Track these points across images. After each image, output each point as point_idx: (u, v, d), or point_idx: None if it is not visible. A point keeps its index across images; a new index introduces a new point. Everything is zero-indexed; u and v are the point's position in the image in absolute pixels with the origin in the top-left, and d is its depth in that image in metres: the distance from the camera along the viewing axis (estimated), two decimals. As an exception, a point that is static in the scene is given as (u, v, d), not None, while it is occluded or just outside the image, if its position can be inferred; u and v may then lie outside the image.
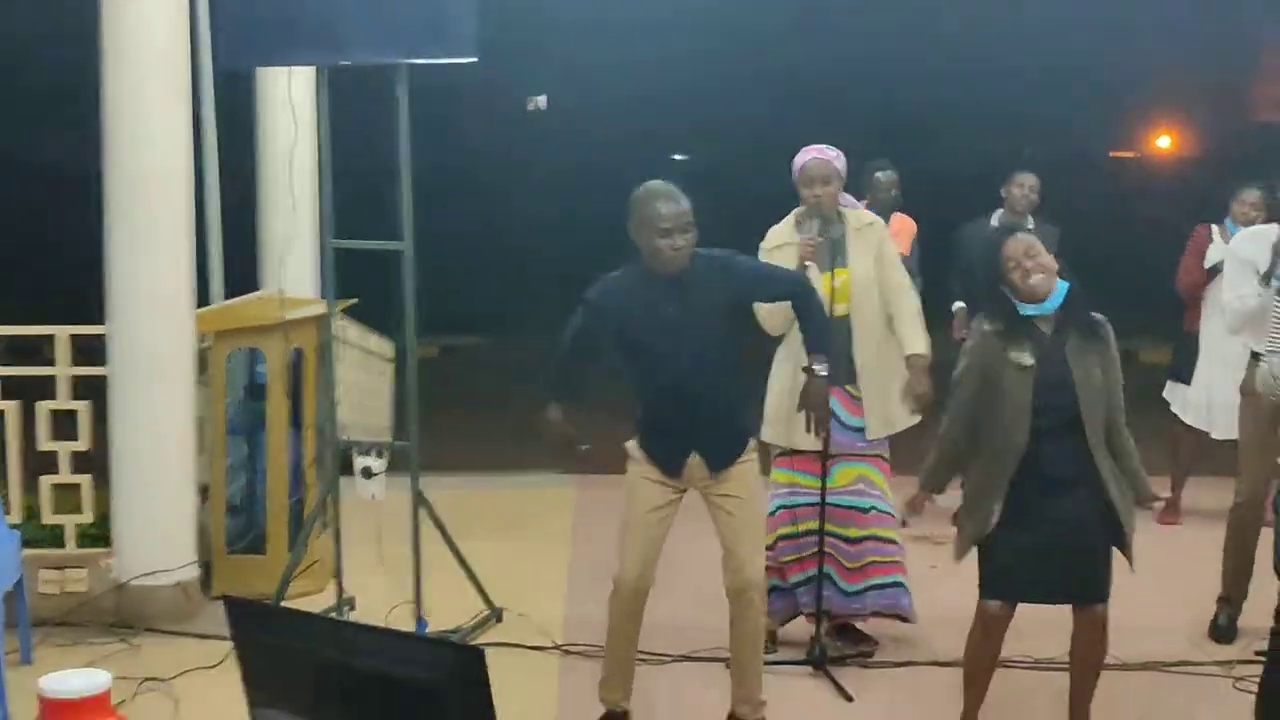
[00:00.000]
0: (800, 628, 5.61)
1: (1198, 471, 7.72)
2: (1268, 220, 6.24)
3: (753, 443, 4.75)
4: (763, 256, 5.38)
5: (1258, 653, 4.67)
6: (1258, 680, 4.61)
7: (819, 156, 5.42)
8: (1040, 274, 4.37)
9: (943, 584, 4.65)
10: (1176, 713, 5.08)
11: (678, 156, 23.73)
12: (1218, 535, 5.95)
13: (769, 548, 5.45)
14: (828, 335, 4.80)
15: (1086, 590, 4.52)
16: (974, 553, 4.53)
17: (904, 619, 5.61)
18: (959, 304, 7.80)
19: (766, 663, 5.44)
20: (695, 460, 4.63)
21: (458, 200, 15.17)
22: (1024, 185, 7.60)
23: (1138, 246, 8.09)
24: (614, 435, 4.83)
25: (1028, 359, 4.38)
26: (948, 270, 7.75)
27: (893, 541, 5.56)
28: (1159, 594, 6.37)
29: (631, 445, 4.75)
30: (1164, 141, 31.55)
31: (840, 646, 5.57)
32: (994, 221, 7.60)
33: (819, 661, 5.38)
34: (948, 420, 4.58)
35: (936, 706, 4.98)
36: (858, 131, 6.69)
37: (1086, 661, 4.64)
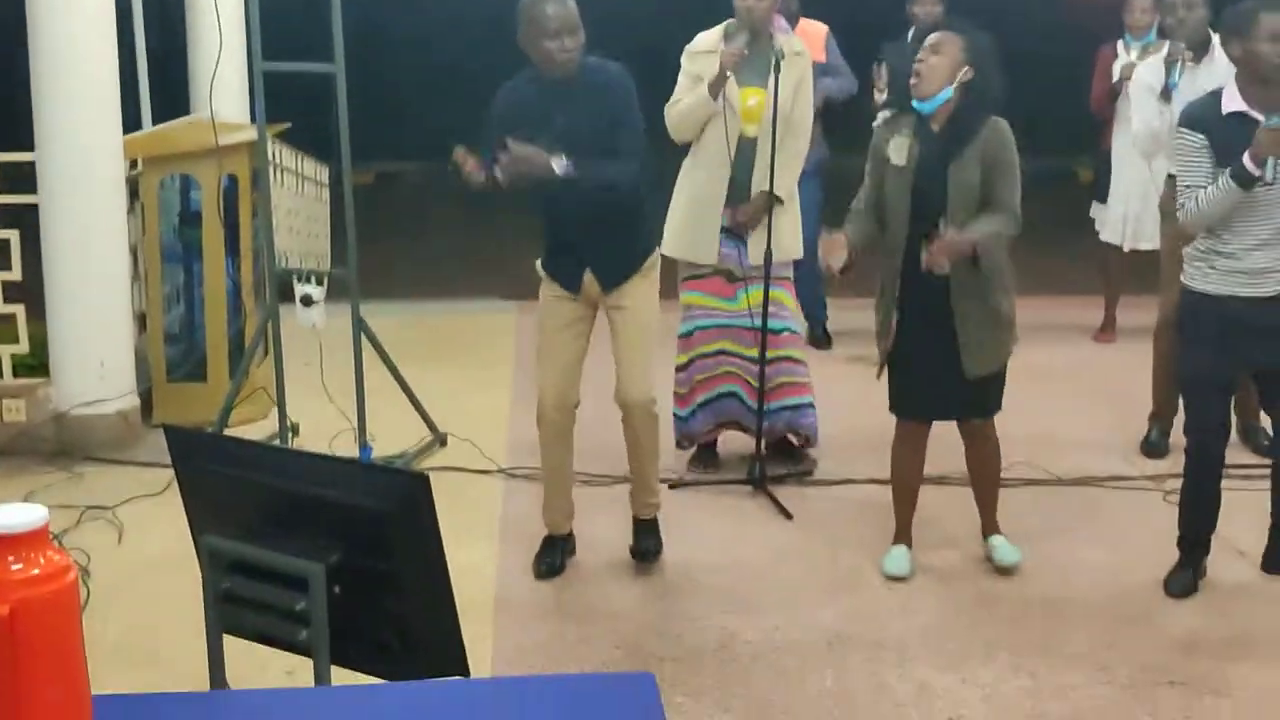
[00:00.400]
0: (742, 446, 5.69)
1: (1134, 290, 7.82)
2: (1162, 22, 6.21)
3: (651, 259, 4.71)
4: (685, 60, 5.41)
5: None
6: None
7: None
8: (922, 72, 4.36)
9: (882, 402, 4.70)
10: (1109, 524, 5.21)
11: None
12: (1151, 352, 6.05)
13: (682, 368, 5.53)
14: (599, 176, 4.47)
15: (968, 408, 4.63)
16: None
17: (809, 440, 5.74)
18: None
19: (709, 483, 5.56)
20: (589, 278, 4.61)
21: (392, 20, 14.79)
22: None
23: (1078, 67, 8.04)
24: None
25: (898, 156, 4.39)
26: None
27: (803, 362, 5.69)
28: (1093, 410, 6.51)
29: (538, 264, 4.73)
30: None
31: (781, 466, 5.68)
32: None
33: (759, 481, 5.47)
34: (855, 214, 4.56)
35: (873, 522, 5.08)
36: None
37: (980, 474, 4.78)
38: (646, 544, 4.85)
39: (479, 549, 4.91)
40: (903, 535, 4.81)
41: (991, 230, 4.37)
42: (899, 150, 4.42)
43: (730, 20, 5.44)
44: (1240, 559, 4.79)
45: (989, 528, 4.82)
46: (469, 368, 7.36)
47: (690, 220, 5.43)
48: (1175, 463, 5.48)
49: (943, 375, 4.53)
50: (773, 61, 5.27)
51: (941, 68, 4.36)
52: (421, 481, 2.42)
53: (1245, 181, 4.17)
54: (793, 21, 7.14)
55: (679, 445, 5.69)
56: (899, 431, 4.74)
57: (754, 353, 5.52)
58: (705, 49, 5.42)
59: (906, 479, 4.79)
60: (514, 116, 4.48)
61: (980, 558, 4.83)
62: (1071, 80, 8.35)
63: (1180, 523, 4.67)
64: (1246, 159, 4.15)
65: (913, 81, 4.39)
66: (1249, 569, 4.74)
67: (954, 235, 4.33)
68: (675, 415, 5.61)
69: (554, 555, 4.80)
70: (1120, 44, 7.57)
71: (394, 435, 5.92)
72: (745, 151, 5.37)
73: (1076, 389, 6.84)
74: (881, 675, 4.05)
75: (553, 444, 4.74)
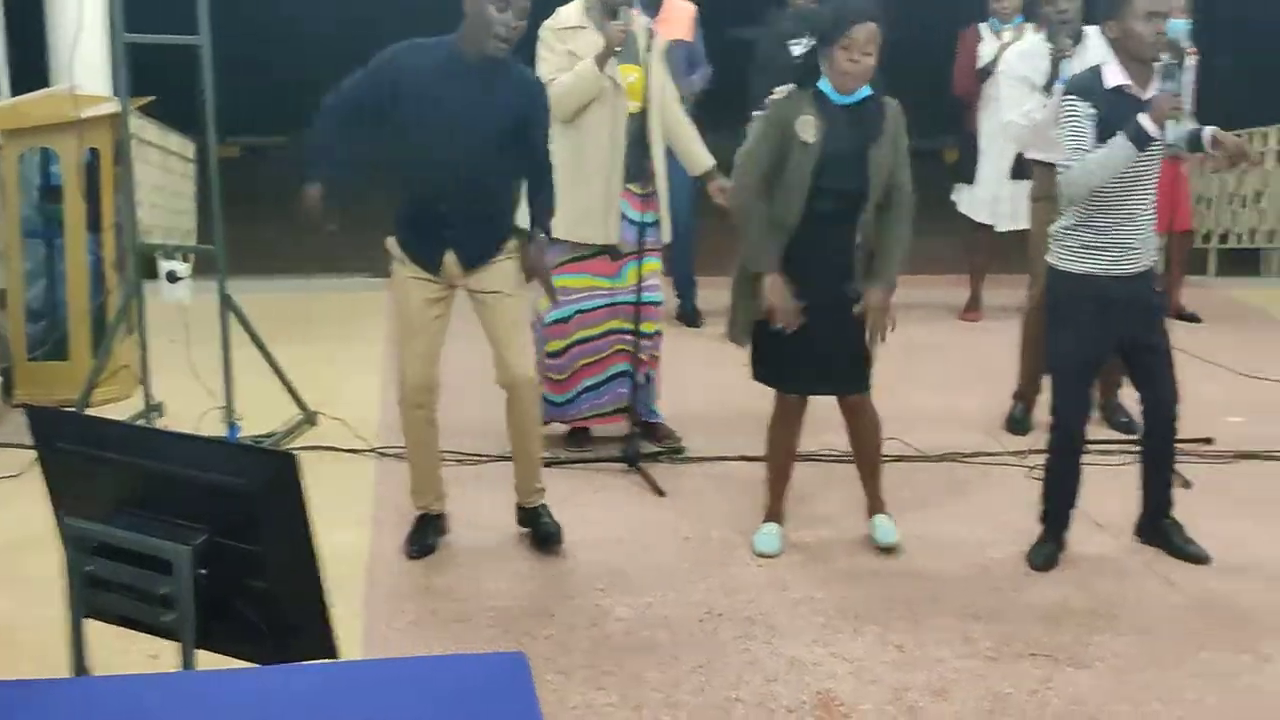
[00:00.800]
0: (613, 427, 5.70)
1: (1000, 269, 7.98)
2: (1038, 10, 6.34)
3: (513, 241, 4.67)
4: (550, 36, 5.36)
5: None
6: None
7: None
8: (859, 72, 4.36)
9: (756, 381, 4.74)
10: (974, 499, 5.31)
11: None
12: (1017, 331, 6.17)
13: (558, 354, 5.51)
14: (551, 209, 4.66)
15: (847, 383, 4.67)
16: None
17: (653, 410, 5.80)
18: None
19: (584, 462, 5.56)
20: (450, 258, 4.57)
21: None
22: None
23: (942, 46, 8.16)
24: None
25: (810, 134, 4.39)
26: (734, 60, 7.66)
27: (661, 334, 5.75)
28: (959, 388, 6.64)
29: (391, 243, 4.64)
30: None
31: (653, 444, 5.72)
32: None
33: (633, 459, 5.49)
34: (743, 189, 4.52)
35: (745, 498, 5.13)
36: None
37: (862, 449, 4.82)
38: (548, 530, 4.80)
39: (351, 530, 4.86)
40: (775, 513, 4.85)
41: (902, 251, 4.52)
42: (806, 128, 4.41)
43: None
44: (1100, 532, 4.92)
45: (877, 505, 4.86)
46: (340, 346, 7.27)
47: (589, 202, 5.34)
48: (1038, 439, 5.62)
49: (833, 351, 4.57)
50: (644, 38, 5.31)
51: (873, 64, 4.37)
52: (289, 461, 2.39)
53: (1141, 141, 4.28)
54: (659, 1, 7.16)
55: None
56: (779, 408, 4.76)
57: (646, 327, 5.55)
58: (571, 24, 5.40)
59: (783, 457, 4.83)
60: (416, 77, 4.38)
61: (850, 533, 4.90)
62: (932, 60, 8.48)
63: (1043, 498, 4.78)
64: (1146, 120, 4.26)
65: (848, 79, 4.36)
66: (1109, 542, 4.87)
67: (880, 300, 4.47)
68: (549, 400, 5.51)
69: (426, 535, 4.76)
70: (985, 26, 7.71)
71: (263, 415, 5.83)
72: (635, 124, 5.38)
73: (943, 367, 6.97)
74: (753, 650, 4.09)
75: (417, 425, 4.70)
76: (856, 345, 4.58)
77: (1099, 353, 4.66)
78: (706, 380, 6.42)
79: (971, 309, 8.10)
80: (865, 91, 4.41)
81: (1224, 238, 12.23)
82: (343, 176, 4.59)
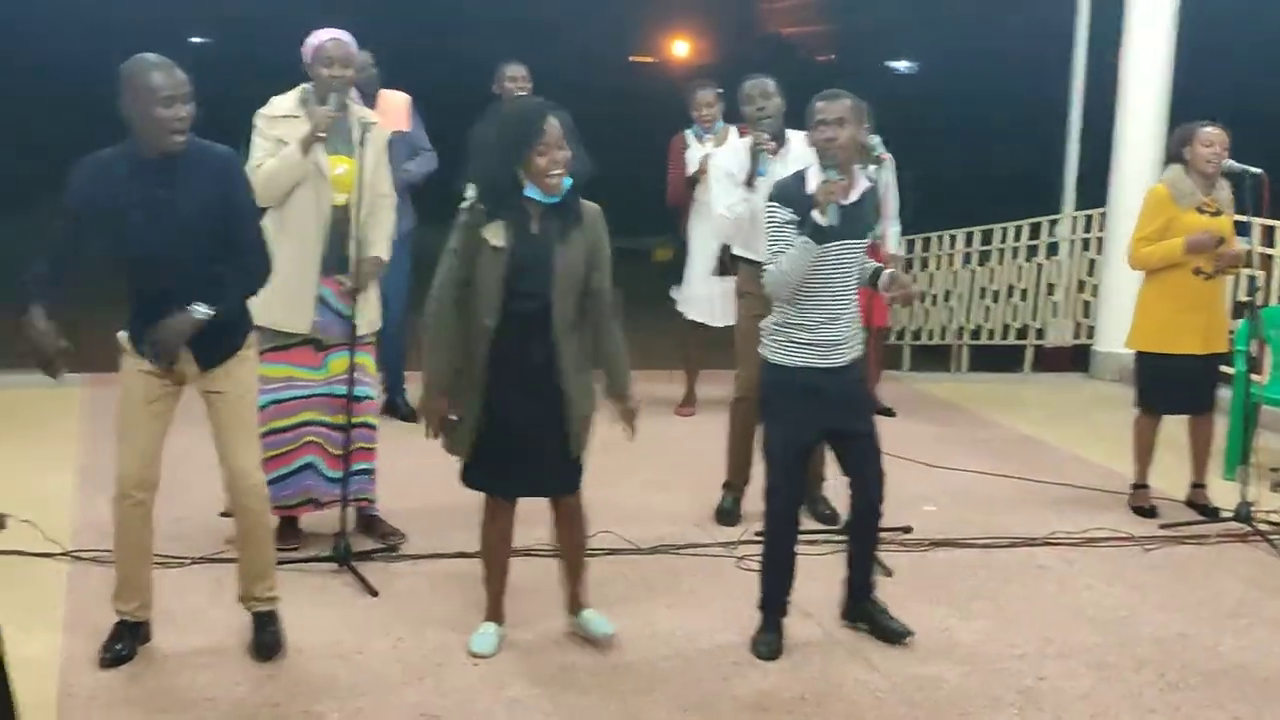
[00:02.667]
0: (328, 524, 5.56)
1: (712, 364, 8.18)
2: (740, 111, 6.58)
3: (250, 338, 4.61)
4: (261, 123, 5.38)
5: (758, 533, 5.01)
6: (759, 558, 4.95)
7: (338, 38, 5.46)
8: (561, 168, 4.43)
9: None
10: (686, 591, 5.37)
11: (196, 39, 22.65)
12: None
13: None
14: (236, 294, 4.53)
15: (557, 484, 4.70)
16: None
17: (370, 502, 5.70)
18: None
19: (293, 561, 5.40)
20: (185, 354, 4.44)
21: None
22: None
23: (654, 147, 8.39)
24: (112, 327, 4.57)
25: (500, 240, 4.43)
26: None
27: (376, 428, 5.69)
28: (673, 480, 6.74)
29: (123, 336, 4.51)
30: (681, 48, 32.71)
31: (374, 540, 5.64)
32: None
33: (344, 557, 5.36)
34: (434, 299, 4.53)
35: (462, 596, 5.07)
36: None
37: (568, 548, 4.84)
38: (271, 639, 4.63)
39: (41, 640, 4.59)
40: (494, 612, 4.81)
41: (620, 353, 4.67)
42: (496, 233, 4.44)
43: (304, 85, 5.48)
44: (807, 620, 5.04)
45: (581, 602, 4.86)
46: (30, 443, 6.92)
47: (286, 289, 5.25)
48: (747, 529, 5.74)
49: (544, 453, 4.58)
50: (358, 132, 5.30)
51: (568, 156, 4.43)
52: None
53: (815, 233, 4.53)
54: (373, 92, 7.19)
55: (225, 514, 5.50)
56: (489, 509, 4.74)
57: (339, 420, 5.46)
58: (284, 113, 5.41)
59: (497, 557, 4.80)
60: (102, 194, 4.30)
61: (566, 630, 4.88)
62: (643, 164, 8.71)
63: (761, 584, 4.88)
64: (815, 214, 4.54)
65: (553, 179, 4.40)
66: (816, 629, 4.99)
67: (626, 410, 4.65)
68: None
69: (124, 642, 4.53)
70: (690, 134, 7.98)
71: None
72: (337, 219, 5.32)
73: (658, 460, 7.06)
74: (469, 752, 4.03)
75: (132, 526, 4.50)
76: (564, 447, 4.60)
77: (809, 441, 4.83)
78: (424, 475, 6.33)
79: (686, 403, 8.27)
80: (567, 183, 4.47)
81: (916, 334, 12.85)
82: (59, 297, 4.38)
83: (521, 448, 4.56)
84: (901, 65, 39.69)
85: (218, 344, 4.47)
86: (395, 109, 7.33)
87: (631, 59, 32.19)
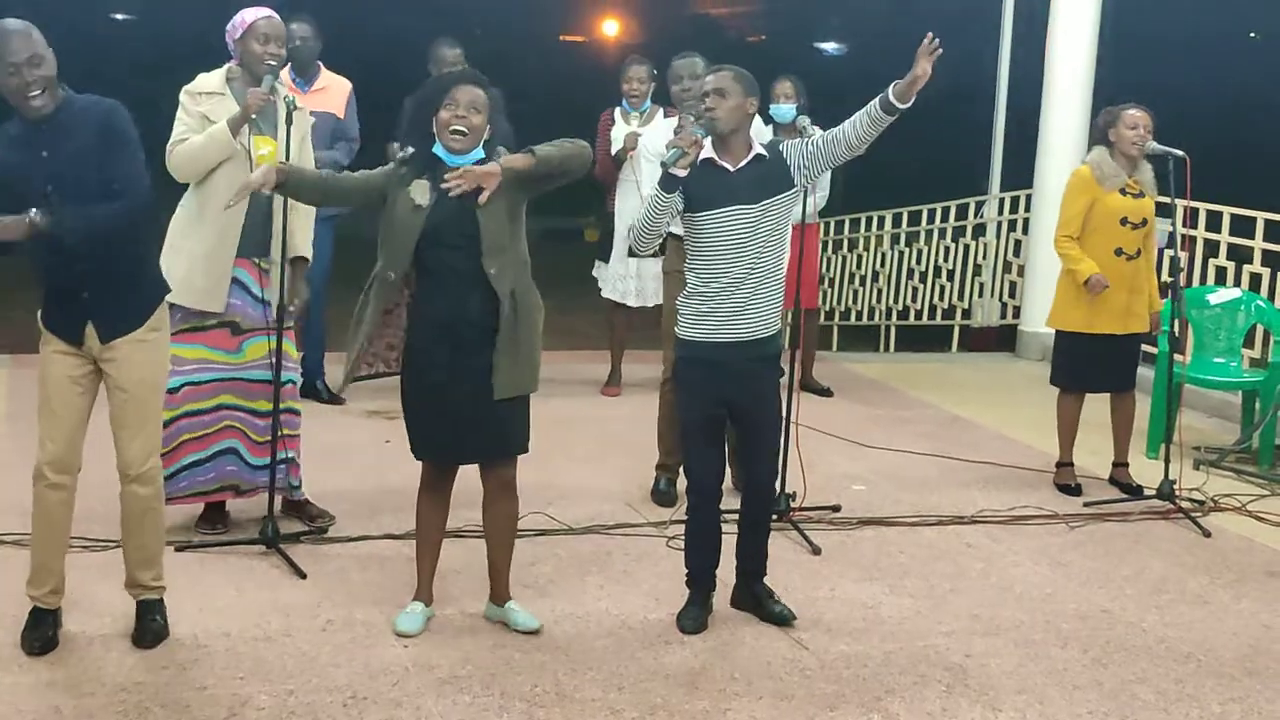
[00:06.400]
0: (256, 507, 5.52)
1: (639, 345, 8.19)
2: (668, 91, 6.58)
3: (160, 311, 4.52)
4: (186, 99, 5.32)
5: (686, 511, 5.03)
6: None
7: (271, 17, 5.39)
8: (464, 132, 4.47)
9: (400, 456, 4.69)
10: (617, 571, 5.38)
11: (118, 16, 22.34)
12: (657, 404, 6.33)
13: (165, 425, 5.27)
14: (96, 217, 4.31)
15: (490, 450, 4.66)
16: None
17: (295, 488, 5.62)
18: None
19: (220, 544, 5.35)
20: (91, 329, 4.37)
21: None
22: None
23: (585, 127, 8.37)
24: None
25: (422, 198, 4.48)
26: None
27: (299, 413, 5.63)
28: (601, 462, 6.74)
29: (39, 315, 4.45)
30: (611, 27, 32.67)
31: (303, 523, 5.58)
32: None
33: (271, 541, 5.32)
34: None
35: (391, 578, 5.05)
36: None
37: (498, 522, 4.77)
38: (153, 627, 4.54)
39: (-39, 624, 4.52)
40: (424, 591, 4.77)
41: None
42: (421, 191, 4.47)
43: (231, 64, 5.42)
44: (737, 600, 5.06)
45: (505, 594, 4.81)
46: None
47: (201, 268, 5.23)
48: (680, 510, 5.76)
49: (470, 412, 4.54)
50: (284, 113, 5.23)
51: (478, 127, 4.49)
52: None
53: (665, 182, 4.66)
54: (313, 70, 7.13)
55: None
56: (424, 478, 4.72)
57: (260, 405, 5.40)
58: (210, 90, 5.35)
59: (430, 531, 4.76)
60: (7, 159, 4.25)
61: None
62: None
63: (686, 561, 4.91)
64: (662, 159, 4.73)
65: (456, 140, 4.46)
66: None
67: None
68: None
69: (45, 629, 4.46)
70: (618, 111, 7.97)
71: None
72: (259, 201, 5.22)
73: (586, 441, 7.06)
74: (399, 733, 4.02)
75: (51, 511, 4.42)
76: (496, 413, 4.57)
77: (716, 414, 4.81)
78: (353, 457, 6.31)
79: (612, 384, 8.26)
80: (478, 154, 4.50)
81: (845, 315, 12.94)
82: None
83: (455, 414, 4.54)
84: (830, 46, 39.92)
85: (121, 311, 4.38)
86: (336, 90, 7.28)
87: (562, 38, 32.12)
